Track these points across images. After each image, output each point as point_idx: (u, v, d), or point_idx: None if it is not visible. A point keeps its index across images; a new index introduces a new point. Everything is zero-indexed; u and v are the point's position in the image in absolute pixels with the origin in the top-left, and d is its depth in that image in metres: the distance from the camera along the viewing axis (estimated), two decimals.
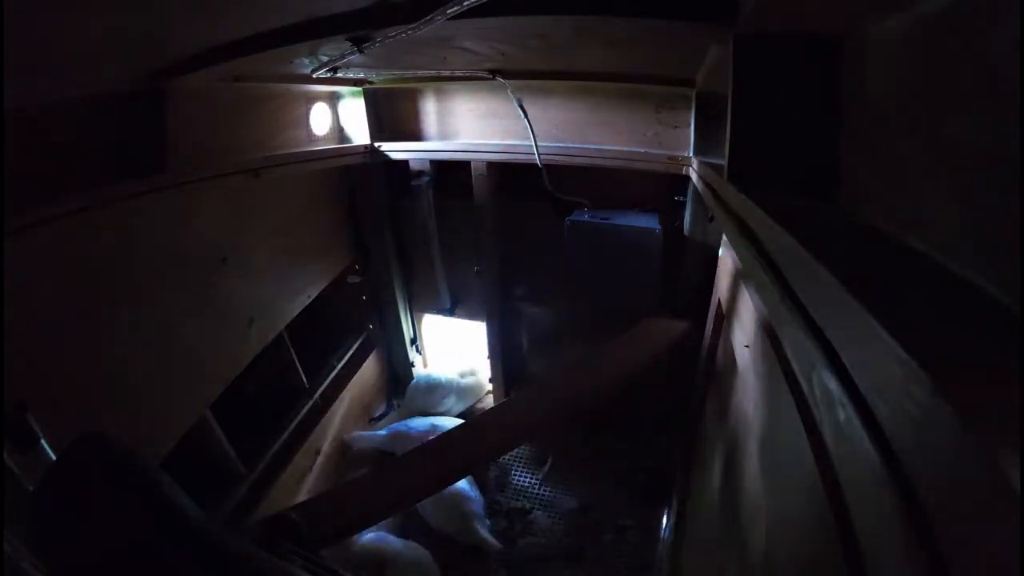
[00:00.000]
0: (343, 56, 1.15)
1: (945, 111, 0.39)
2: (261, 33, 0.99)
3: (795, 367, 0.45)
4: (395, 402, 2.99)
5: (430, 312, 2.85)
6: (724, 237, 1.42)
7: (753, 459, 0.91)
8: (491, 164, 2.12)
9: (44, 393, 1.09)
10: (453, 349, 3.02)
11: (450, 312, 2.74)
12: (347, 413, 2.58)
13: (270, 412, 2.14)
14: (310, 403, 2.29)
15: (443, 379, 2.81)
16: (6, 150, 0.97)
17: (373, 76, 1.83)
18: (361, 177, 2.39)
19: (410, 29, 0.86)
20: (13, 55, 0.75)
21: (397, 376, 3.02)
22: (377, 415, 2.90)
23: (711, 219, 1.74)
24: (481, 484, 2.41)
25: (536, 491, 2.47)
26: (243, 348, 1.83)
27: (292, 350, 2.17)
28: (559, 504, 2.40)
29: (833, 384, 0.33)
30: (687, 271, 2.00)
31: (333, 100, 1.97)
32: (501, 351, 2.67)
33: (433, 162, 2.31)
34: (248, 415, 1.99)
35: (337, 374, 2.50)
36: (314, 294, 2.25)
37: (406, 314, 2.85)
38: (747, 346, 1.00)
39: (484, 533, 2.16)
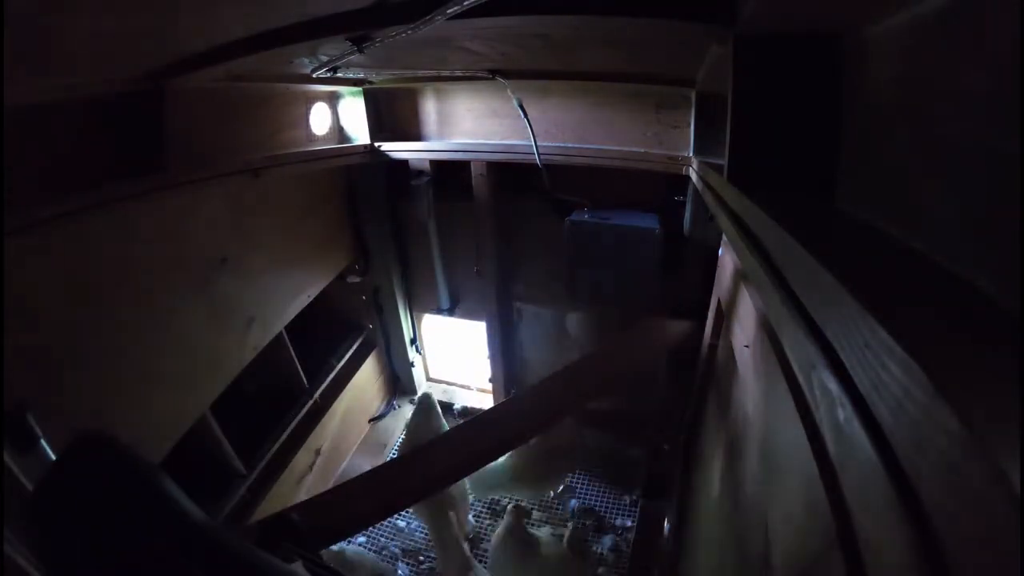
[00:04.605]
0: (343, 56, 1.15)
1: (945, 111, 0.39)
2: (261, 33, 0.99)
3: (795, 367, 0.45)
4: (395, 402, 2.99)
5: (430, 312, 2.85)
6: (724, 237, 1.42)
7: (753, 459, 0.91)
8: (491, 164, 2.12)
9: (44, 393, 1.09)
10: (453, 349, 3.02)
11: (450, 312, 2.74)
12: (347, 413, 2.58)
13: (270, 412, 2.14)
14: (310, 403, 2.28)
15: None
16: (6, 150, 0.96)
17: (373, 76, 1.83)
18: (361, 177, 2.39)
19: (410, 29, 0.86)
20: (13, 55, 0.75)
21: (397, 376, 3.03)
22: (377, 415, 2.90)
23: (711, 219, 1.74)
24: None
25: None
26: (243, 348, 1.83)
27: (292, 350, 2.17)
28: (559, 504, 2.40)
29: (833, 384, 0.33)
30: (687, 271, 2.00)
31: (333, 100, 1.97)
32: (501, 351, 2.67)
33: (433, 162, 2.31)
34: (248, 415, 1.99)
35: (337, 374, 2.50)
36: (314, 294, 2.25)
37: (406, 314, 2.85)
38: (747, 346, 1.00)
39: None
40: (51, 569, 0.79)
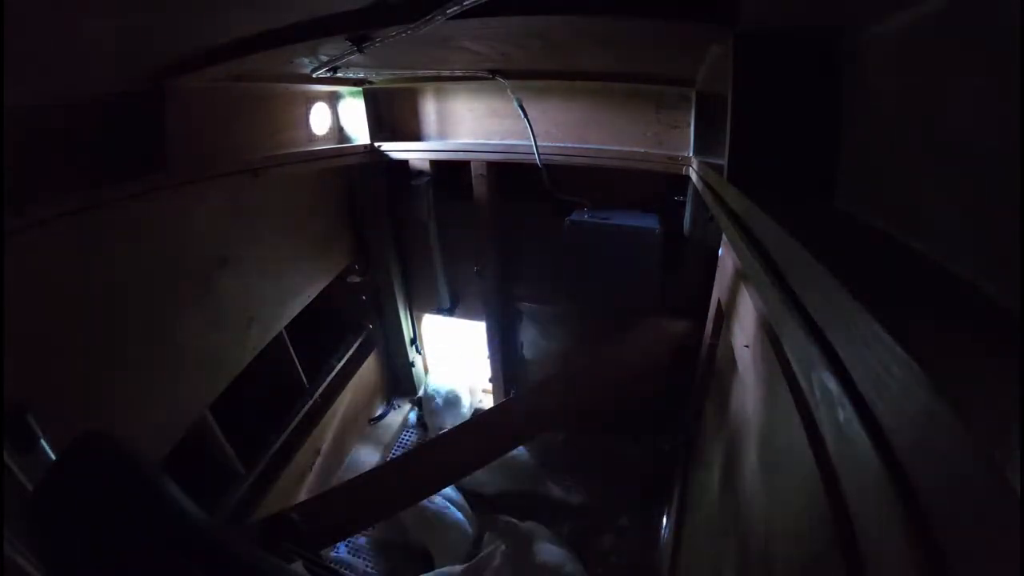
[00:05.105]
0: (343, 56, 1.15)
1: (945, 110, 0.39)
2: (261, 33, 0.99)
3: (795, 367, 0.45)
4: (395, 402, 2.99)
5: (430, 312, 2.85)
6: (724, 237, 1.42)
7: (753, 459, 0.91)
8: (491, 164, 2.12)
9: (44, 393, 1.09)
10: (453, 349, 3.02)
11: (450, 312, 2.74)
12: (347, 413, 2.58)
13: (270, 412, 2.14)
14: (310, 403, 2.28)
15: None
16: (6, 150, 0.97)
17: (373, 76, 1.83)
18: (361, 177, 2.39)
19: (410, 29, 0.86)
20: (13, 55, 0.75)
21: (397, 376, 3.03)
22: (377, 415, 2.90)
23: (711, 219, 1.74)
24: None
25: (536, 491, 2.47)
26: (243, 348, 1.83)
27: (292, 350, 2.17)
28: (559, 504, 2.40)
29: (833, 384, 0.33)
30: (687, 271, 2.00)
31: (333, 100, 1.97)
32: (501, 351, 2.67)
33: (433, 162, 2.31)
34: (248, 415, 1.99)
35: (337, 374, 2.50)
36: (314, 294, 2.25)
37: (406, 314, 2.85)
38: (747, 346, 1.00)
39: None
40: (51, 569, 0.79)
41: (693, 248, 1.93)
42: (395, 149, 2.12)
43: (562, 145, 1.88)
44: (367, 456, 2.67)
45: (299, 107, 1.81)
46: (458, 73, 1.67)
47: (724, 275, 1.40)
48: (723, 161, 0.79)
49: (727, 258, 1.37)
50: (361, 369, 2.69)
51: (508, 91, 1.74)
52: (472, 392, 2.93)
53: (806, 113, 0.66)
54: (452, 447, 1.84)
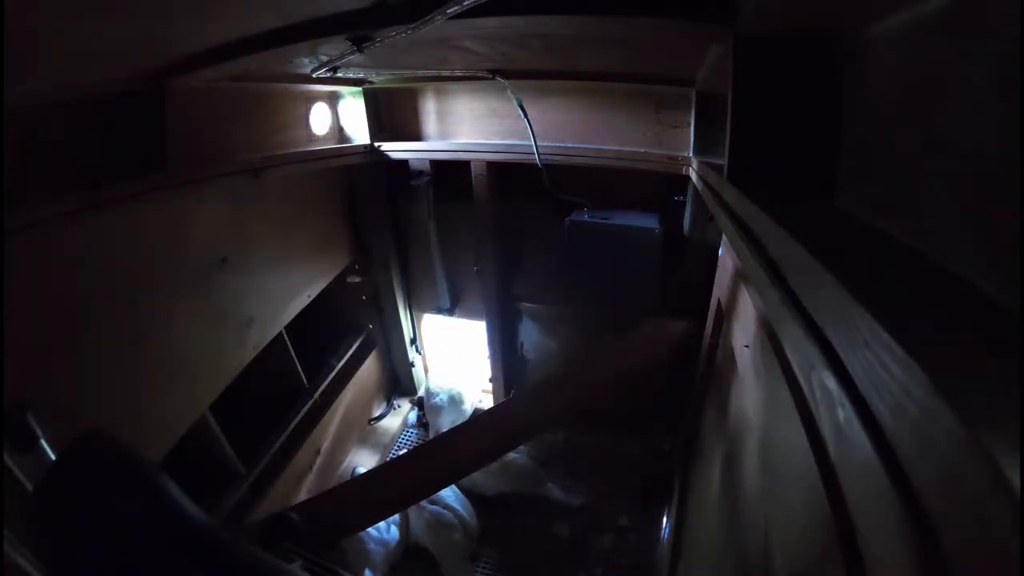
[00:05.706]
0: (343, 56, 1.15)
1: (945, 111, 0.39)
2: (261, 33, 0.99)
3: (795, 367, 0.45)
4: (395, 402, 2.99)
5: (430, 312, 2.85)
6: (724, 237, 1.42)
7: (753, 459, 0.91)
8: (491, 164, 2.12)
9: (44, 393, 1.09)
10: (453, 349, 3.02)
11: (450, 312, 2.75)
12: (347, 413, 2.58)
13: (270, 412, 2.14)
14: (310, 403, 2.28)
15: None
16: (6, 150, 0.96)
17: (373, 76, 1.83)
18: (361, 177, 2.39)
19: (410, 29, 0.86)
20: (14, 55, 0.75)
21: (397, 376, 3.02)
22: (377, 415, 2.90)
23: (711, 219, 1.74)
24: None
25: (536, 492, 2.47)
26: (243, 348, 1.83)
27: (292, 350, 2.17)
28: (559, 504, 2.40)
29: (833, 384, 0.33)
30: (687, 271, 2.00)
31: (333, 100, 1.97)
32: (501, 351, 2.67)
33: (433, 162, 2.31)
34: (248, 415, 1.99)
35: (337, 374, 2.50)
36: (314, 294, 2.25)
37: (406, 314, 2.85)
38: (747, 346, 1.00)
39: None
40: (51, 569, 0.79)
41: (693, 248, 1.93)
42: (395, 149, 2.12)
43: (562, 145, 1.88)
44: (367, 456, 2.67)
45: (299, 107, 1.81)
46: (458, 73, 1.67)
47: (724, 275, 1.40)
48: (723, 161, 0.79)
49: (727, 258, 1.37)
50: (361, 369, 2.69)
51: (508, 91, 1.74)
52: (472, 392, 2.93)
53: (806, 113, 0.66)
54: (452, 447, 1.84)
